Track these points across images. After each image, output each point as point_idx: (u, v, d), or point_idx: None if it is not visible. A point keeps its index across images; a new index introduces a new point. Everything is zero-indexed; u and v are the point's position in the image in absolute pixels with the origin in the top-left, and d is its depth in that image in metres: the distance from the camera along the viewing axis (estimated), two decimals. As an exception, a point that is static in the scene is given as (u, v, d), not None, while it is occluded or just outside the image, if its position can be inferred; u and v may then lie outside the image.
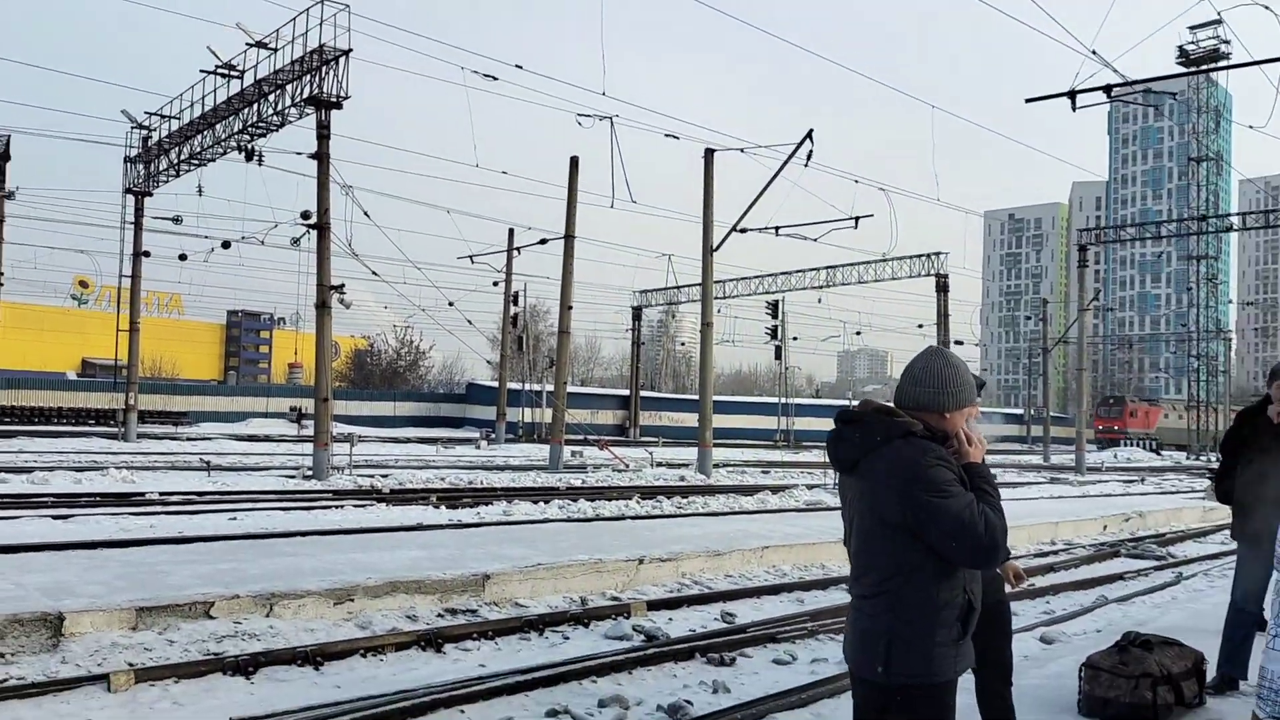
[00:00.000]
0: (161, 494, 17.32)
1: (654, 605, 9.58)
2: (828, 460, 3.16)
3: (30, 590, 7.96)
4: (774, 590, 10.70)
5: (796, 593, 10.70)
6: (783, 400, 64.83)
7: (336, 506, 16.74)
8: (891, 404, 3.07)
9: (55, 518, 13.94)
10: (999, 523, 2.85)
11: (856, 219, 29.39)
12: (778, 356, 57.36)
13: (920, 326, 52.19)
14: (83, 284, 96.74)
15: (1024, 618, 9.55)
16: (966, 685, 4.92)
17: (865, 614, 2.98)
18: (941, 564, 2.88)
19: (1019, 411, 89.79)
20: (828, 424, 3.23)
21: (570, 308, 30.41)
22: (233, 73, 27.40)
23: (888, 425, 2.95)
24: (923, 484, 2.81)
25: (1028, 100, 19.47)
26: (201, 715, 5.96)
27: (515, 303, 46.87)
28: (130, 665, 6.78)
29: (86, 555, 10.00)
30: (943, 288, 42.15)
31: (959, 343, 44.98)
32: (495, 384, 51.56)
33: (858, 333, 61.10)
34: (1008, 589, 4.59)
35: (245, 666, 6.86)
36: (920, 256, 42.89)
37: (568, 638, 8.38)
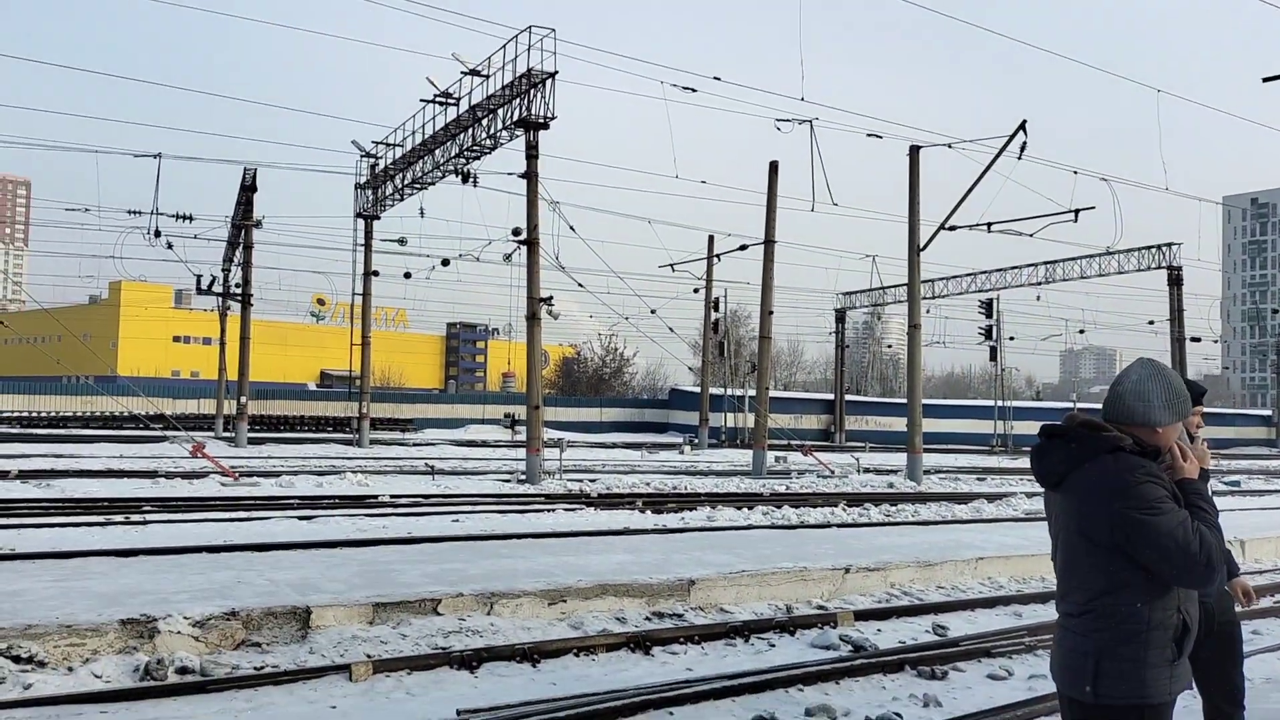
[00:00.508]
0: (392, 496, 18.40)
1: (861, 615, 9.48)
2: (1034, 474, 3.12)
3: (281, 586, 8.73)
4: (989, 603, 10.37)
5: (1013, 606, 10.33)
6: (999, 403, 62.03)
7: (548, 510, 17.31)
8: (1100, 418, 2.99)
9: (300, 518, 15.02)
10: (1214, 541, 2.74)
11: (1076, 212, 27.86)
12: (993, 357, 54.96)
13: (1151, 323, 48.89)
14: (320, 301, 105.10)
15: (1270, 637, 8.86)
16: (1194, 707, 4.66)
17: (1072, 632, 2.92)
18: (1153, 583, 2.80)
19: (1267, 413, 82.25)
20: None
21: (771, 312, 30.47)
22: (449, 100, 29.05)
23: (1095, 440, 2.89)
24: (1132, 501, 2.74)
25: (1265, 79, 17.94)
26: (432, 705, 6.37)
27: (716, 309, 47.33)
28: (368, 657, 7.33)
29: (327, 554, 10.84)
30: (1175, 281, 39.34)
31: (1195, 339, 41.72)
32: (697, 389, 52.06)
33: (1081, 331, 57.70)
34: (1238, 609, 4.31)
35: (469, 661, 7.28)
36: (1149, 248, 40.22)
37: (773, 645, 8.39)
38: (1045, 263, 43.58)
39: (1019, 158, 26.15)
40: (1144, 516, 2.72)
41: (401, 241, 35.34)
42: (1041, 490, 3.14)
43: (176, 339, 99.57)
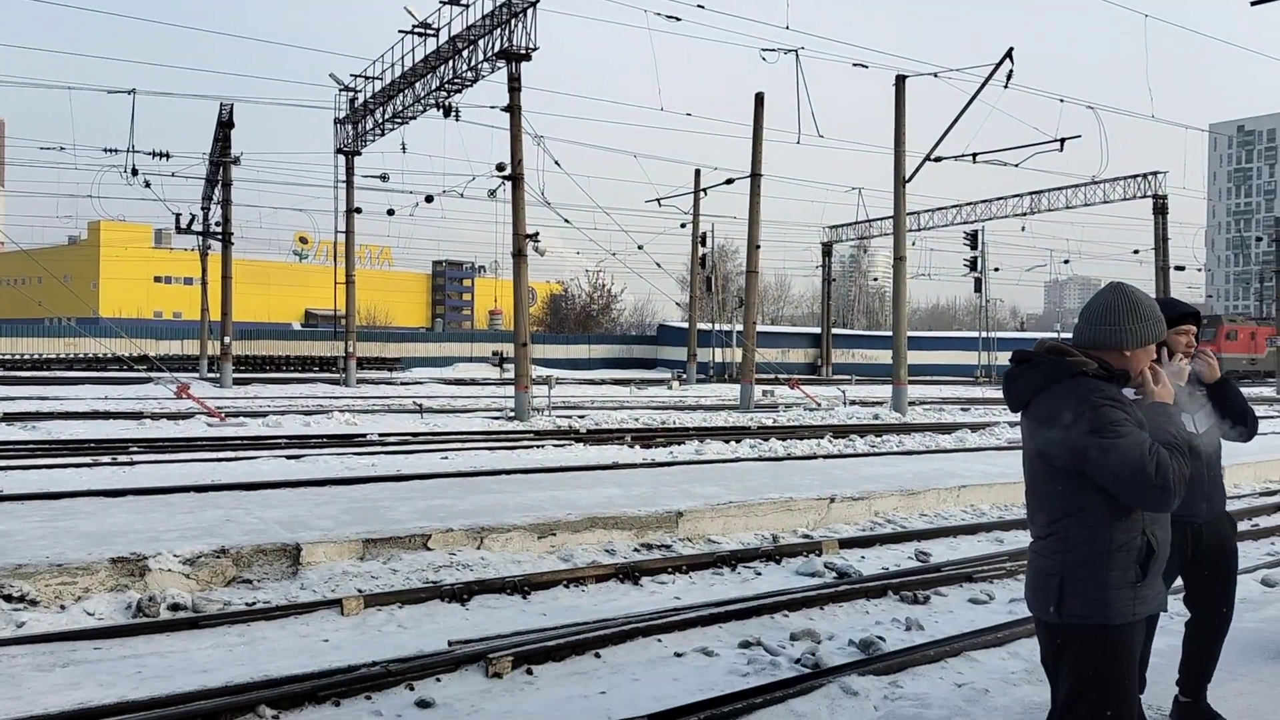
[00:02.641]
0: (380, 435, 18.40)
1: (846, 543, 9.63)
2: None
3: (270, 524, 8.79)
4: (971, 530, 10.59)
5: (995, 532, 10.54)
6: (983, 334, 62.36)
7: (538, 446, 17.37)
8: (1071, 344, 3.01)
9: (289, 457, 15.06)
10: (1174, 465, 2.75)
11: (1062, 141, 27.69)
12: (978, 289, 55.19)
13: (1136, 252, 48.94)
14: (303, 240, 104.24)
15: (1246, 559, 9.03)
16: (1171, 628, 4.77)
17: (1039, 554, 2.98)
18: (1115, 505, 2.82)
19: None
20: None
21: (758, 247, 30.32)
22: (428, 31, 28.49)
23: (1057, 365, 2.91)
24: (1089, 424, 2.76)
25: (1253, 3, 17.73)
26: (423, 638, 6.47)
27: (703, 244, 47.11)
28: (360, 592, 7.42)
29: (316, 492, 10.87)
30: (1160, 210, 39.32)
31: (1179, 268, 41.84)
32: (685, 325, 52.10)
33: (1066, 261, 57.97)
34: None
35: (460, 594, 7.39)
36: (1134, 177, 40.12)
37: (759, 574, 8.54)
38: (1030, 193, 43.55)
39: (1005, 87, 25.91)
40: (1100, 440, 2.74)
41: (384, 178, 34.94)
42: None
43: (158, 279, 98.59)
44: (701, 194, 44.35)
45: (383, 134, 34.91)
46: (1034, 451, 2.96)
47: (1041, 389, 2.92)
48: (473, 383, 43.81)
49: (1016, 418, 3.07)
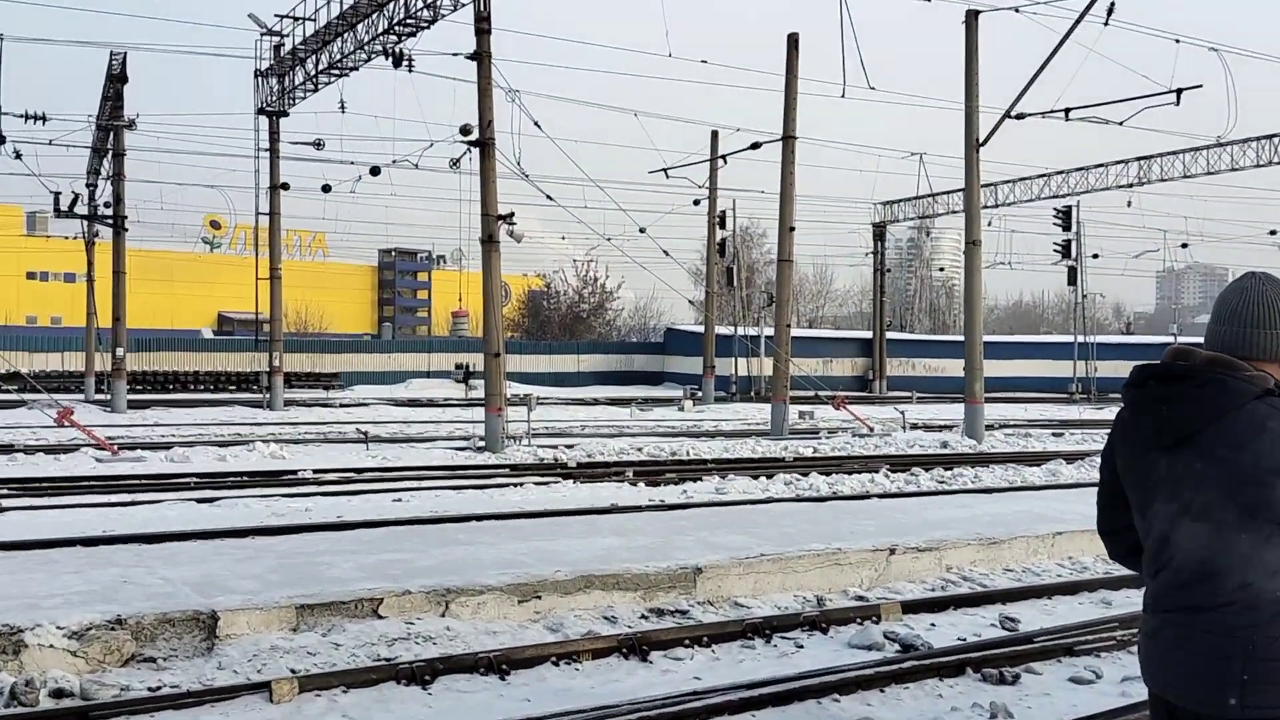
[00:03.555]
0: (316, 471, 18.52)
1: (911, 607, 9.66)
2: (1128, 431, 3.08)
3: (179, 586, 8.75)
4: (1070, 589, 10.59)
5: (1101, 592, 10.60)
6: (1079, 339, 62.14)
7: (515, 485, 17.59)
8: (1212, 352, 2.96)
9: (200, 501, 15.09)
10: None
11: (1178, 92, 27.71)
12: (1071, 281, 55.16)
13: (1273, 233, 49.05)
14: (214, 225, 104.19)
15: None
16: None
17: (1204, 629, 2.86)
18: None
19: None
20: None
21: (792, 229, 30.42)
22: (373, -42, 28.64)
23: (1238, 384, 2.84)
24: None
25: None
26: (374, 731, 6.46)
27: (722, 225, 47.26)
28: (293, 672, 7.37)
29: (237, 544, 10.87)
30: (1303, 180, 39.41)
31: (1328, 254, 41.93)
32: (700, 329, 52.16)
33: (1184, 245, 57.88)
34: None
35: (421, 674, 7.36)
36: (1270, 138, 40.18)
37: (801, 646, 8.55)
38: (1138, 159, 43.66)
39: (1105, 24, 25.99)
40: None
41: (318, 145, 35.07)
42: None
43: (31, 275, 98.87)
44: (720, 162, 44.48)
45: (316, 89, 35.11)
46: (1212, 498, 2.85)
47: (1219, 415, 2.85)
48: (431, 404, 44.01)
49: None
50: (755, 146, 36.10)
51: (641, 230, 30.91)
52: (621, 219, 30.99)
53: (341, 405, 41.70)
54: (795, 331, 39.37)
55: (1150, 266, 78.20)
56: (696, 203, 46.10)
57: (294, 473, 18.47)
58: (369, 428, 27.66)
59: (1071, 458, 22.40)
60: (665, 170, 41.52)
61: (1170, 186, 43.75)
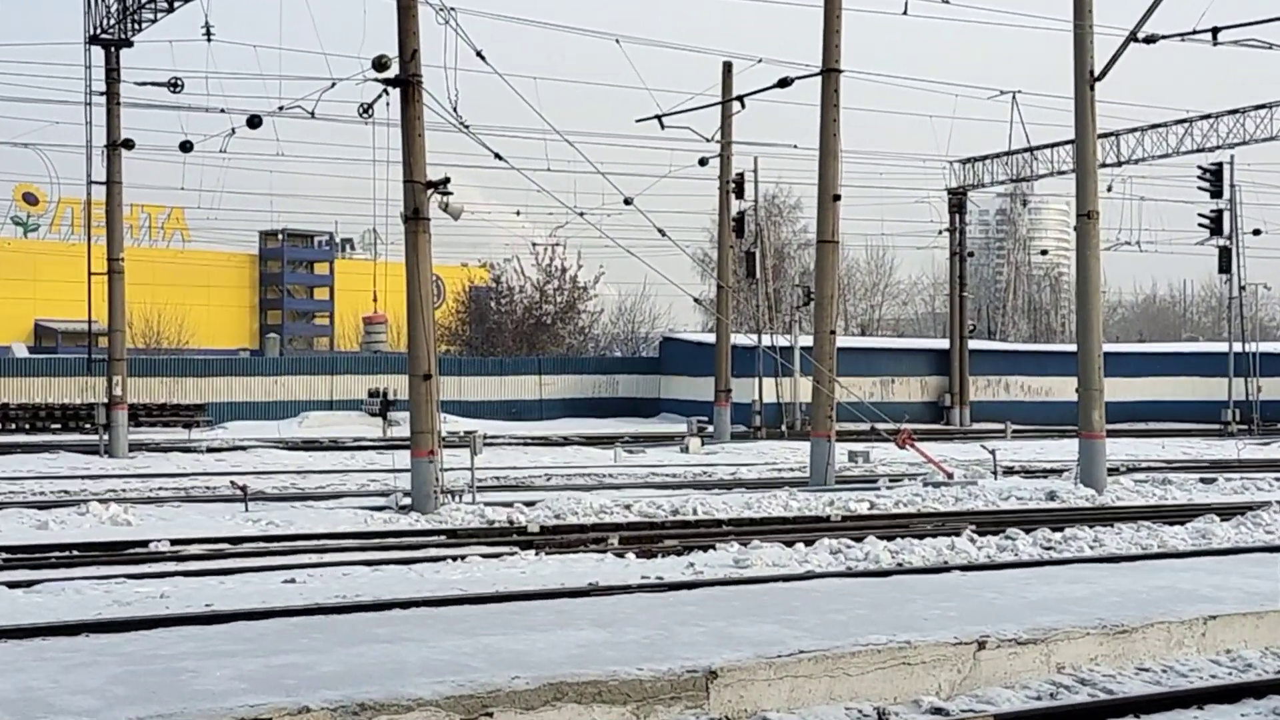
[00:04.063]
0: (175, 543, 17.08)
1: (1008, 721, 8.77)
2: None
3: (-16, 705, 7.59)
4: (1229, 694, 9.57)
5: (1271, 699, 9.45)
6: (1238, 346, 53.89)
7: (454, 558, 16.22)
8: None
9: (11, 585, 13.63)
10: None
11: (1362, 6, 24.44)
12: (1224, 268, 48.21)
13: None
14: (29, 199, 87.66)
15: None
16: None
17: None
18: None
19: None
20: None
21: (837, 197, 26.05)
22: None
23: None
24: None
25: None
26: None
27: (739, 194, 42.11)
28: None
29: (67, 646, 9.75)
30: None
31: None
32: (709, 338, 48.26)
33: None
34: None
35: (328, 832, 6.49)
36: None
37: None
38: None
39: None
40: None
41: (174, 86, 30.99)
42: None
43: None
44: (736, 106, 36.79)
45: (171, 9, 31.65)
46: None
47: None
48: (336, 446, 39.99)
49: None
50: (784, 84, 30.02)
51: (627, 201, 26.22)
52: (600, 186, 27.39)
53: (210, 450, 37.30)
54: (842, 340, 34.15)
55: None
56: (704, 162, 40.10)
57: (145, 544, 16.94)
58: (249, 480, 24.51)
59: (1227, 513, 20.41)
60: (660, 118, 33.99)
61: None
